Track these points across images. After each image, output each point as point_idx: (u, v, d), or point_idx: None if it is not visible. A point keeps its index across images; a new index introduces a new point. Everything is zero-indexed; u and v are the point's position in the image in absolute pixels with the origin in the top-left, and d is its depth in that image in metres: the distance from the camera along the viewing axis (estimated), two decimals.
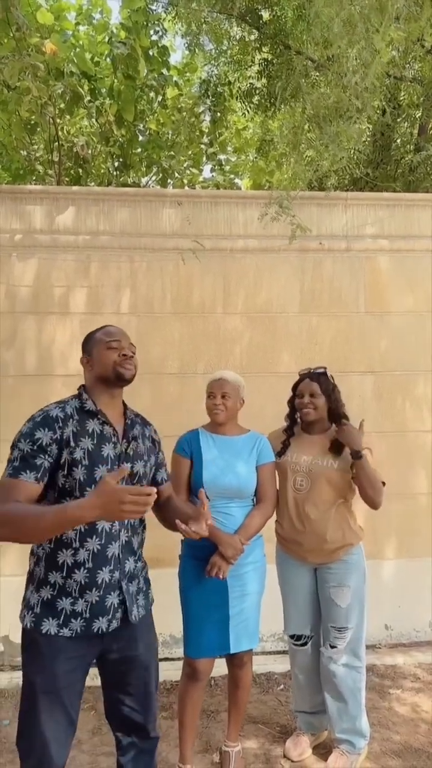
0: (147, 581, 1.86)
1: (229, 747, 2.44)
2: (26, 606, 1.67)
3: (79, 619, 1.62)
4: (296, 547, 2.48)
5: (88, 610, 1.63)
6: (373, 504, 2.36)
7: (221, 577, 2.20)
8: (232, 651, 2.28)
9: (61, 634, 1.61)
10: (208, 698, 2.98)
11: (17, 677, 3.18)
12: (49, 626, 1.61)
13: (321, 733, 2.64)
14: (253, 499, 2.37)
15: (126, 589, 1.70)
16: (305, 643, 2.55)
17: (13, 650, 3.43)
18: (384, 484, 2.35)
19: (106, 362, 1.74)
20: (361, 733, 2.47)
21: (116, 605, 1.67)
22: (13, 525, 1.44)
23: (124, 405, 1.85)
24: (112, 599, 1.67)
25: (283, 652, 3.46)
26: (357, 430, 2.35)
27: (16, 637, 3.29)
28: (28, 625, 1.64)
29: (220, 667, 2.51)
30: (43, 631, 1.61)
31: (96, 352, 1.78)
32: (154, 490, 1.38)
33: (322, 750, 2.57)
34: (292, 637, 2.58)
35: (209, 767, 2.47)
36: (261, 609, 2.38)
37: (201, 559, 2.27)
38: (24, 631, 1.67)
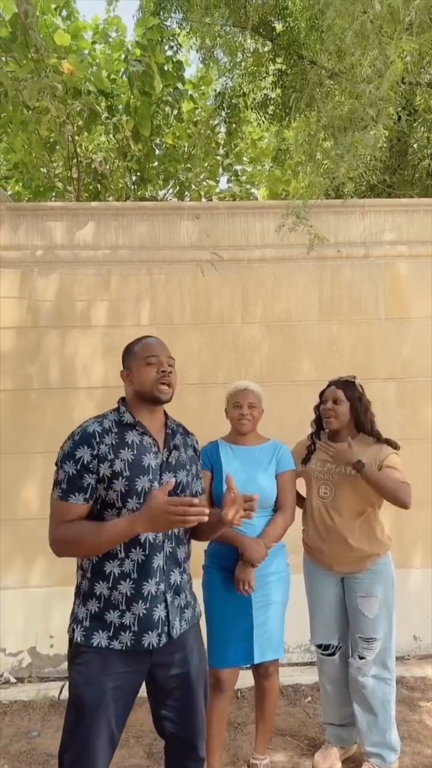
0: (193, 595, 1.83)
1: (258, 760, 2.43)
2: (75, 620, 1.66)
3: (127, 632, 1.60)
4: (320, 555, 2.47)
5: (136, 624, 1.61)
6: (399, 506, 2.29)
7: (249, 590, 2.19)
8: (256, 661, 2.27)
9: (111, 646, 1.59)
10: (235, 710, 2.97)
11: (44, 689, 3.21)
12: (100, 639, 1.60)
13: (350, 747, 2.60)
14: (274, 509, 2.36)
15: (171, 602, 1.67)
16: (333, 653, 2.53)
17: (40, 662, 3.46)
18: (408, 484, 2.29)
19: (145, 380, 1.72)
20: (391, 746, 2.43)
21: (164, 619, 1.64)
22: (72, 544, 1.60)
23: (166, 415, 1.84)
24: (159, 612, 1.64)
25: (310, 664, 3.42)
26: (346, 448, 2.31)
27: (43, 649, 3.34)
28: (79, 639, 1.62)
29: (246, 679, 2.50)
30: (94, 644, 1.59)
31: (135, 368, 1.75)
32: (197, 500, 1.44)
33: (352, 764, 2.54)
34: (319, 646, 2.56)
35: None
36: (286, 619, 2.37)
37: (225, 570, 2.28)
38: (73, 645, 1.65)
